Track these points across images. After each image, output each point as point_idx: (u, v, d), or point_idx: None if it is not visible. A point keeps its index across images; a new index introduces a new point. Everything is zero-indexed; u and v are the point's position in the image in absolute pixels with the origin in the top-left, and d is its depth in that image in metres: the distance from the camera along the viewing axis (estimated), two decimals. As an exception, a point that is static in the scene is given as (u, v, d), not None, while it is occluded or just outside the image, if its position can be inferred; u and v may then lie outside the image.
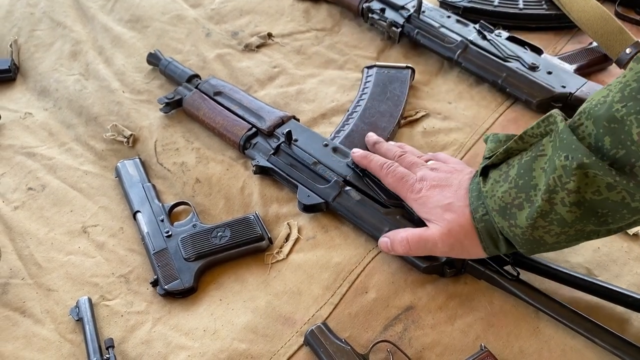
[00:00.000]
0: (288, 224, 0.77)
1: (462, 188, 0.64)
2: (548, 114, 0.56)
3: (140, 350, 0.67)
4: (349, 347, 0.63)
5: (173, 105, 0.90)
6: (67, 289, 0.72)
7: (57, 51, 1.03)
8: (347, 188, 0.75)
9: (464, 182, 0.65)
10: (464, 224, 0.62)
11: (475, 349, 0.63)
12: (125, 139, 0.87)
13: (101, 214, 0.80)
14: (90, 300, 0.69)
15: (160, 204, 0.78)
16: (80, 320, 0.68)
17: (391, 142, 0.79)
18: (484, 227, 0.61)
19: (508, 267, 0.67)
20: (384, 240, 0.69)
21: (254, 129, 0.84)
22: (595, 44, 0.94)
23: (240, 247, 0.73)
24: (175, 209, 0.79)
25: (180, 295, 0.70)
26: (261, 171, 0.81)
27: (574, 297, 0.67)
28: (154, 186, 0.81)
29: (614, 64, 0.91)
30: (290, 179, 0.79)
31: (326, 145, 0.81)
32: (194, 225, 0.75)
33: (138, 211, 0.78)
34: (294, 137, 0.81)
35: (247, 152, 0.83)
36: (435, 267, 0.69)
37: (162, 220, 0.76)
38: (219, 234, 0.74)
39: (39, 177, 0.84)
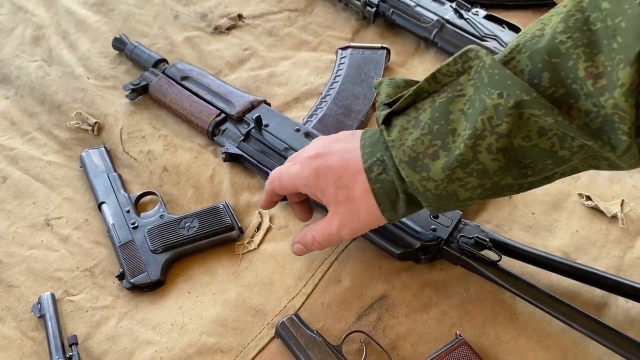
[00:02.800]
0: (259, 212, 0.74)
1: (350, 151, 0.56)
2: (466, 48, 0.48)
3: (106, 346, 0.64)
4: (321, 339, 0.61)
5: (139, 92, 0.86)
6: (29, 285, 0.69)
7: (19, 37, 0.99)
8: None
9: (350, 145, 0.57)
10: (358, 198, 0.55)
11: (451, 338, 0.61)
12: (90, 127, 0.84)
13: (65, 205, 0.77)
14: (53, 295, 0.67)
15: (127, 195, 0.75)
16: (42, 317, 0.65)
17: None
18: (381, 187, 0.54)
19: (486, 252, 0.65)
20: (297, 246, 0.64)
21: (222, 115, 0.81)
22: (574, 21, 0.92)
23: (209, 238, 0.71)
24: (142, 200, 0.76)
25: (148, 288, 0.68)
26: (231, 158, 0.78)
27: (552, 281, 0.66)
28: (119, 176, 0.78)
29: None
30: (261, 166, 0.76)
31: (298, 130, 0.78)
32: (161, 216, 0.73)
33: (103, 202, 0.74)
34: (264, 123, 0.79)
35: (215, 138, 0.80)
36: (409, 254, 0.67)
37: (128, 211, 0.73)
38: (187, 224, 0.71)
39: (0, 168, 0.81)
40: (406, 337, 0.63)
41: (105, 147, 0.81)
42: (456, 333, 0.61)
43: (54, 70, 0.92)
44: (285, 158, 0.75)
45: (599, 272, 0.64)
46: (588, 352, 0.60)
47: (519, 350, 0.61)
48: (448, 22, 0.92)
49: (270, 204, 0.67)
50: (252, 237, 0.72)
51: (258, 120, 0.78)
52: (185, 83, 0.85)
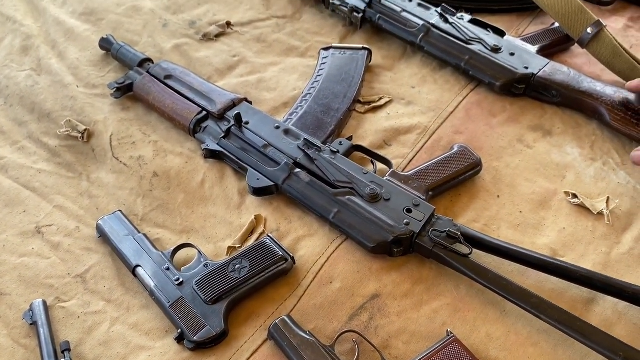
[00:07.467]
0: (255, 217, 0.74)
1: None
2: None
3: (99, 352, 0.64)
4: (314, 339, 0.61)
5: (124, 90, 0.87)
6: (21, 292, 0.69)
7: (7, 47, 0.99)
8: (297, 170, 0.74)
9: None
10: None
11: (442, 335, 0.62)
12: (80, 134, 0.84)
13: (56, 213, 0.77)
14: (44, 302, 0.67)
15: (160, 252, 0.70)
16: (34, 324, 0.65)
17: None
18: None
19: (457, 245, 0.66)
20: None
21: (204, 112, 0.82)
22: (557, 24, 0.94)
23: (263, 274, 0.67)
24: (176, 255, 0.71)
25: (213, 343, 0.63)
26: (211, 155, 0.79)
27: (541, 278, 0.67)
28: (145, 235, 0.73)
29: (576, 44, 0.91)
30: (241, 162, 0.77)
31: (278, 127, 0.79)
32: (206, 265, 0.68)
33: (138, 265, 0.69)
34: (245, 120, 0.80)
35: (197, 136, 0.81)
36: (382, 247, 0.68)
37: (168, 269, 0.68)
38: (236, 266, 0.67)
39: (-10, 177, 0.81)
40: (398, 335, 0.64)
41: (121, 211, 0.75)
42: (447, 330, 0.62)
43: (43, 79, 0.93)
44: (265, 155, 0.77)
45: (578, 270, 0.64)
46: (578, 346, 0.61)
47: (510, 346, 0.62)
48: (434, 26, 0.93)
49: None
50: (244, 242, 0.73)
51: (238, 118, 0.79)
52: (168, 82, 0.86)
